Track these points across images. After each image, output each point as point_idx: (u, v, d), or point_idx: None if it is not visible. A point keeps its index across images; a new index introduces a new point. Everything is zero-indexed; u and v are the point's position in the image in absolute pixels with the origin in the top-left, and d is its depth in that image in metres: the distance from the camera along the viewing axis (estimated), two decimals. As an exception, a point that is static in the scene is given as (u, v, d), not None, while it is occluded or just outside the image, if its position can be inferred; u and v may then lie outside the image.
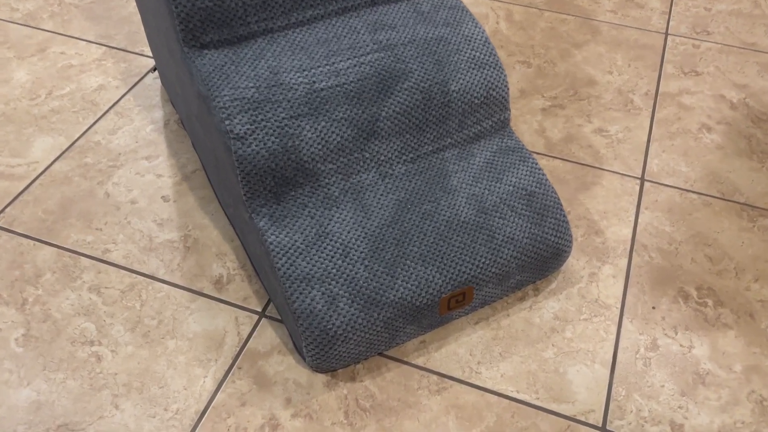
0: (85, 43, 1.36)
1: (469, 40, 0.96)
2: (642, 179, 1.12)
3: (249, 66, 0.88)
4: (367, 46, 0.92)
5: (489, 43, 0.97)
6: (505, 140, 0.98)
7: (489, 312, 0.93)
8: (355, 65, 0.91)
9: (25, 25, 1.39)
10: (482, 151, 0.96)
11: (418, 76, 0.92)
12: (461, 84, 0.94)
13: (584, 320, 0.93)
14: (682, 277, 0.98)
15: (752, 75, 1.32)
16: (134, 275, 0.97)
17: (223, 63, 0.88)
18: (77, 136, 1.17)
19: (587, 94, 1.28)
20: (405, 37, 0.94)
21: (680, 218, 1.06)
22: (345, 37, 0.93)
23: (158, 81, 1.28)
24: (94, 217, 1.05)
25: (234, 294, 0.95)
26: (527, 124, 1.22)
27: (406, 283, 0.84)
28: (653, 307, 0.94)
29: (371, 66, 0.91)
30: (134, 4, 1.46)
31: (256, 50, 0.90)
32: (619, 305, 0.94)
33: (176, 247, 1.01)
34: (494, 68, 0.96)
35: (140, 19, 1.41)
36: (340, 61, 0.91)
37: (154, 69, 1.30)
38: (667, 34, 1.42)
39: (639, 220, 1.06)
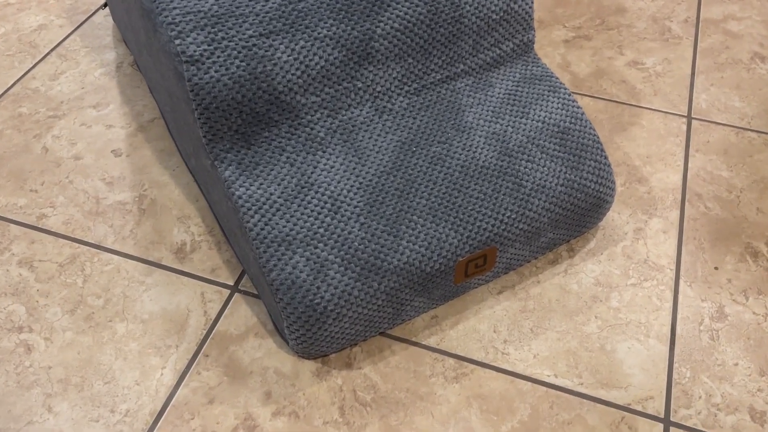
0: (24, -22, 1.16)
1: (484, -59, 0.77)
2: (689, 117, 0.94)
3: (205, -28, 0.69)
4: (356, -53, 0.73)
5: (508, -55, 0.78)
6: (529, 67, 0.80)
7: (515, 278, 0.76)
8: (341, -29, 0.71)
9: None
10: (502, 80, 0.78)
11: (422, -16, 0.73)
12: (475, -6, 0.75)
13: (632, 285, 0.75)
14: (748, 231, 0.80)
15: (806, -2, 1.14)
16: (76, 245, 0.78)
17: (172, -31, 0.69)
18: (11, 82, 0.98)
19: (616, 23, 1.09)
20: (403, -63, 0.75)
21: (739, 161, 0.88)
22: (328, -63, 0.74)
23: (110, 19, 1.09)
24: (29, 176, 0.86)
25: (200, 265, 0.77)
26: (548, 57, 1.03)
27: (413, 244, 0.66)
28: (716, 268, 0.77)
29: (362, -28, 0.72)
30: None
31: (214, -47, 0.71)
32: (673, 266, 0.77)
33: (129, 209, 0.82)
34: (515, -25, 0.77)
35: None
36: (322, -35, 0.71)
37: (105, 5, 1.10)
38: (703, -45, 1.23)
39: (689, 165, 0.88)
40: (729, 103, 0.96)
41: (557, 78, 0.79)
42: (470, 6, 0.75)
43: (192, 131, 0.71)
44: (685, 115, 0.94)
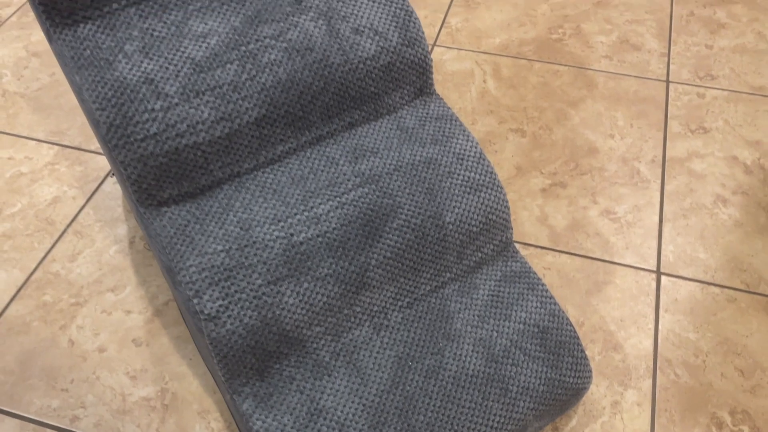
0: (34, 143, 1.24)
1: (461, 159, 0.85)
2: (658, 272, 1.03)
3: (216, 222, 0.77)
4: (349, 180, 0.81)
5: (484, 159, 0.86)
6: (509, 263, 0.88)
7: (506, 464, 0.84)
8: (336, 207, 0.80)
9: (-34, 126, 1.26)
10: (486, 280, 0.86)
11: (408, 210, 0.81)
12: (457, 213, 0.83)
13: (611, 465, 0.84)
14: (714, 399, 0.89)
15: (764, 127, 1.22)
16: (108, 448, 0.87)
17: (186, 222, 0.77)
18: (33, 266, 1.06)
19: (589, 167, 1.17)
20: (390, 164, 0.83)
21: (704, 321, 0.97)
22: (323, 171, 0.82)
23: (118, 186, 1.16)
24: (59, 373, 0.94)
25: (222, 463, 0.85)
26: (528, 210, 1.11)
27: (414, 460, 0.75)
28: (685, 442, 0.86)
29: (354, 206, 0.80)
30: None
31: (222, 201, 0.79)
32: (647, 442, 0.86)
33: (153, 406, 0.90)
34: (492, 189, 0.86)
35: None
36: (320, 204, 0.80)
37: (113, 173, 1.18)
38: (668, 81, 1.32)
39: (660, 327, 0.97)
40: (694, 254, 1.05)
41: (535, 274, 0.88)
42: (452, 225, 0.83)
43: (212, 361, 0.79)
44: (655, 270, 1.03)
